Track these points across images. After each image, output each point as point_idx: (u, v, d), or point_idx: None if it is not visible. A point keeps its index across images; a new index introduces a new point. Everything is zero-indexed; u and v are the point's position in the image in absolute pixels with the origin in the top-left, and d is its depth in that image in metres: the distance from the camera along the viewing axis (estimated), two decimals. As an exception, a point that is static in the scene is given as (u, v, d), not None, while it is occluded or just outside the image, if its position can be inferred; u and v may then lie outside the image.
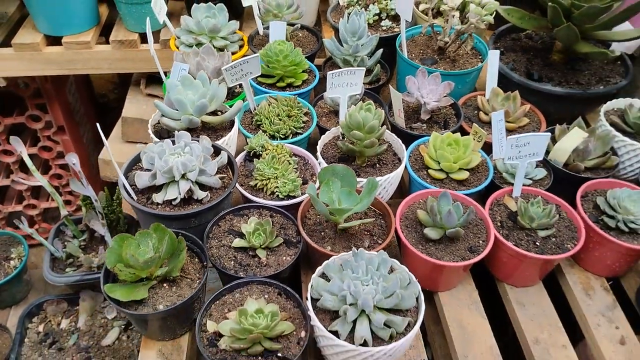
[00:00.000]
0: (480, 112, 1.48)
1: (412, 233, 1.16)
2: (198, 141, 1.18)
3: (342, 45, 1.57)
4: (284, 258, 1.09)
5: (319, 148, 1.31)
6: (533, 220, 1.14)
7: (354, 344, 0.90)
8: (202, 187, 1.14)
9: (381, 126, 1.23)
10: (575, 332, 1.18)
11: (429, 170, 1.28)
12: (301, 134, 1.36)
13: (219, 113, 1.38)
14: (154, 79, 2.08)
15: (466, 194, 1.22)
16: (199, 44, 1.60)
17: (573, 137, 1.29)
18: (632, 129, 1.38)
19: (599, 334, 1.12)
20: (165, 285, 1.03)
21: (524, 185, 1.26)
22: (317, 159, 1.29)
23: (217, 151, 1.23)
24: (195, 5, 1.64)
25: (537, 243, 1.14)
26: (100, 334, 1.99)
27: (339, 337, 0.91)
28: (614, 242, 1.14)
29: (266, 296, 1.01)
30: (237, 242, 1.09)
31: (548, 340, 1.11)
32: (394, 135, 1.35)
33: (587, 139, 1.30)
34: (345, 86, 1.32)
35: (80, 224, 1.75)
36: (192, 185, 1.11)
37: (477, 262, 1.21)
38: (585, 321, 1.16)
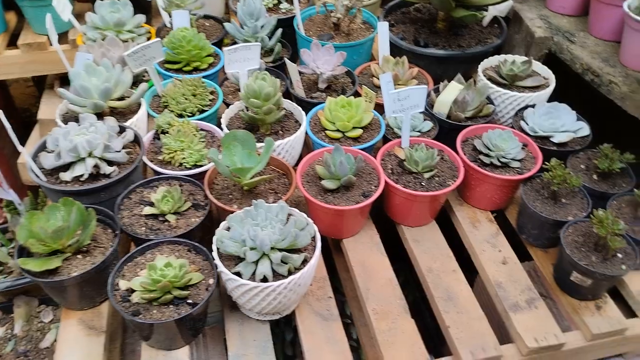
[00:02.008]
0: (374, 77, 1.61)
1: (313, 187, 1.26)
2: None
3: (242, 28, 1.67)
4: (193, 220, 1.17)
5: (223, 121, 1.40)
6: (418, 164, 1.28)
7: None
8: (110, 163, 1.21)
9: (278, 95, 1.33)
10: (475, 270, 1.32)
11: (327, 132, 1.39)
12: (207, 110, 1.45)
13: (127, 98, 1.44)
14: (67, 80, 2.09)
15: (361, 149, 1.34)
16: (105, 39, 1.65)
17: (450, 91, 1.44)
18: (506, 81, 1.55)
19: (484, 257, 1.27)
20: (79, 256, 1.09)
21: (412, 136, 1.39)
22: (223, 132, 1.38)
23: (124, 131, 1.30)
24: (98, 1, 1.69)
25: (423, 184, 1.27)
26: (38, 337, 1.98)
27: (241, 277, 1.01)
28: (490, 176, 1.29)
29: (176, 253, 1.09)
30: (147, 210, 1.16)
31: (440, 268, 1.25)
32: (294, 104, 1.46)
33: (466, 92, 1.45)
34: (242, 61, 1.42)
35: (8, 232, 1.75)
36: (99, 161, 1.17)
37: (380, 211, 1.34)
38: (472, 249, 1.30)
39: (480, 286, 1.30)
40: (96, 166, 1.16)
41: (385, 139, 1.42)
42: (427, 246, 1.30)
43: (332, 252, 1.43)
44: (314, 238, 1.09)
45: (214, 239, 1.06)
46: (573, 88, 1.57)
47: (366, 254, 1.28)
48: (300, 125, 1.41)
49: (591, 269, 1.10)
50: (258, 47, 1.42)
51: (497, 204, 1.38)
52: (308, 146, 1.54)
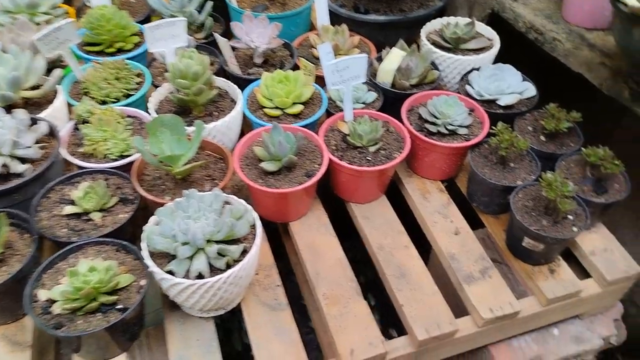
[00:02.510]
0: (313, 49, 1.53)
1: (253, 170, 1.18)
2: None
3: (170, 2, 1.54)
4: (121, 216, 1.07)
5: (151, 105, 1.29)
6: (362, 137, 1.21)
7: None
8: (23, 160, 1.09)
9: (208, 73, 1.23)
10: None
11: (265, 110, 1.30)
12: (134, 95, 1.33)
13: (41, 87, 1.30)
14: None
15: (302, 126, 1.26)
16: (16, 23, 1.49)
17: (393, 58, 1.37)
18: (450, 44, 1.49)
19: (436, 229, 1.23)
20: (-7, 266, 0.98)
21: (356, 109, 1.32)
22: (152, 117, 1.27)
23: (36, 123, 1.17)
24: (5, -19, 1.52)
25: (369, 158, 1.21)
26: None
27: (175, 276, 0.92)
28: (437, 145, 1.24)
29: (103, 255, 0.99)
30: (68, 209, 1.05)
31: (391, 244, 1.20)
32: (229, 82, 1.36)
33: (409, 58, 1.39)
34: (167, 39, 1.30)
35: None
36: (8, 159, 1.05)
37: (328, 189, 1.27)
38: (424, 221, 1.26)
39: (435, 260, 1.26)
40: (5, 165, 1.04)
41: (329, 114, 1.35)
42: (377, 222, 1.25)
43: (282, 236, 1.36)
44: (254, 226, 1.02)
45: (142, 235, 0.97)
46: (517, 48, 1.53)
47: (314, 236, 1.21)
48: (236, 104, 1.32)
49: (542, 234, 1.07)
50: (183, 23, 1.31)
51: (447, 173, 1.33)
52: (248, 126, 1.45)
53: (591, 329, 1.24)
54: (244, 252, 0.97)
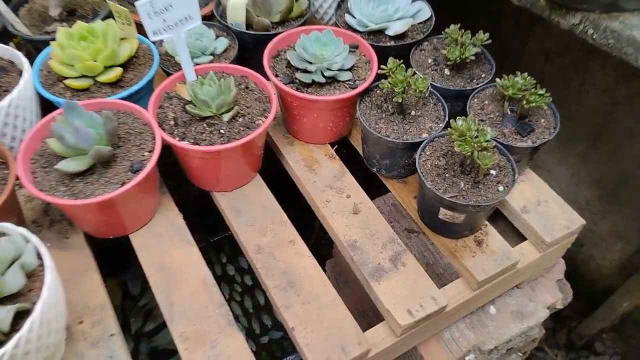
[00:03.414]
0: (138, -11, 1.13)
1: (52, 174, 0.80)
2: None
3: None
4: None
5: None
6: (208, 104, 0.86)
7: None
8: None
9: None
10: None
11: (67, 81, 0.91)
12: None
13: None
14: None
15: (124, 98, 0.89)
16: None
17: (242, -13, 1.01)
18: (320, -35, 1.15)
19: (329, 210, 0.93)
20: None
21: (201, 63, 0.97)
22: None
23: None
24: None
25: (223, 130, 0.87)
26: None
27: None
28: (313, 100, 0.92)
29: None
30: None
31: (272, 242, 0.89)
32: (11, 49, 0.94)
33: (267, -13, 1.03)
34: None
35: None
36: None
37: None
38: (314, 201, 0.95)
39: (336, 251, 0.97)
40: None
41: (169, 74, 0.98)
42: (251, 214, 0.92)
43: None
44: (41, 266, 0.66)
45: None
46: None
47: (166, 248, 0.87)
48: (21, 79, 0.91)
49: (461, 203, 0.80)
50: None
51: (336, 133, 1.03)
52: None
53: (533, 298, 1.01)
54: (25, 312, 0.62)
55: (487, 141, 0.79)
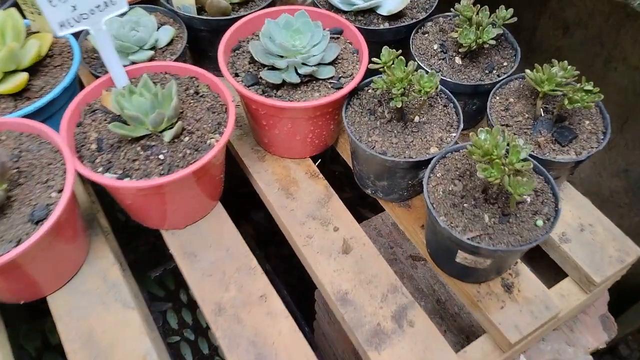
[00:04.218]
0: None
1: None
2: None
3: None
4: None
5: None
6: (141, 120, 0.64)
7: None
8: None
9: None
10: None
11: (-48, 95, 0.68)
12: None
13: None
14: None
15: (29, 114, 0.67)
16: None
17: (187, -41, 0.77)
18: None
19: (312, 251, 0.71)
20: None
21: (137, 62, 0.74)
22: None
23: None
24: None
25: (163, 155, 0.64)
26: None
27: None
28: (286, 108, 0.70)
29: None
30: None
31: (237, 299, 0.67)
32: None
33: (222, -41, 0.80)
34: None
35: None
36: None
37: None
38: (291, 238, 0.74)
39: (323, 303, 0.77)
40: None
41: (97, 78, 0.75)
42: (210, 259, 0.71)
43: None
44: None
45: None
46: None
47: (95, 313, 0.66)
48: None
49: (488, 247, 0.58)
50: None
51: (318, 145, 0.80)
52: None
53: (572, 342, 0.81)
54: None
55: (522, 160, 0.57)
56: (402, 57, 0.65)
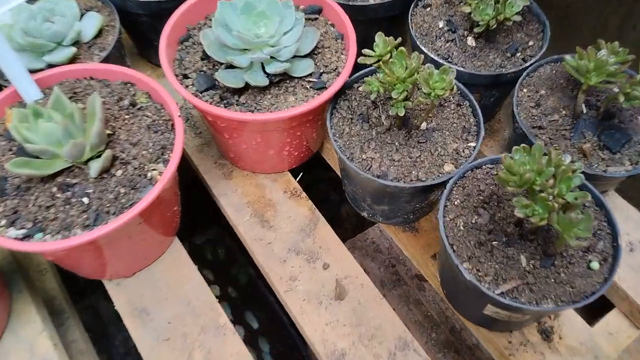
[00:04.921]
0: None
1: None
2: None
3: None
4: None
5: None
6: (53, 154, 0.47)
7: None
8: None
9: None
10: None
11: None
12: None
13: None
14: None
15: None
16: None
17: None
18: None
19: (298, 298, 0.56)
20: None
21: (60, 63, 0.56)
22: None
23: None
24: None
25: (88, 198, 0.48)
26: None
27: None
28: (249, 121, 0.53)
29: None
30: None
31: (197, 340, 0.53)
32: None
33: None
34: None
35: None
36: None
37: None
38: (271, 281, 0.59)
39: None
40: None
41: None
42: (166, 317, 0.56)
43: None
44: None
45: None
46: None
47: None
48: None
49: (530, 308, 0.43)
50: None
51: (297, 157, 0.64)
52: None
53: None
54: None
55: (577, 190, 0.41)
56: (403, 49, 0.48)
